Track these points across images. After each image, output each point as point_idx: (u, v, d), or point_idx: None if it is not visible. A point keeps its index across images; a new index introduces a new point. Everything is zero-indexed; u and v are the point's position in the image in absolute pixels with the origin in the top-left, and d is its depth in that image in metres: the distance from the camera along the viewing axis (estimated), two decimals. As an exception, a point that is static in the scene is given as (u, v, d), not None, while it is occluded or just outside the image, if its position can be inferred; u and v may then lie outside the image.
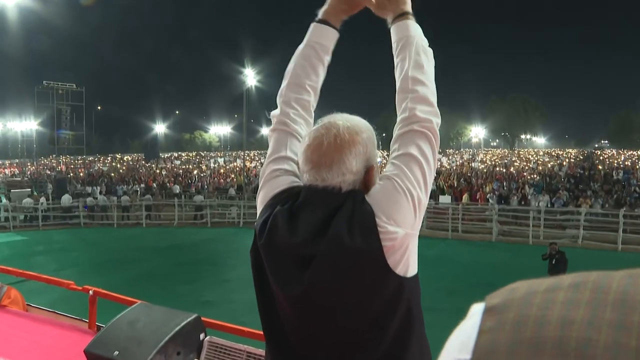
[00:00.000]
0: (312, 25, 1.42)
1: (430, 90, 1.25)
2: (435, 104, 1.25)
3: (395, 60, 1.32)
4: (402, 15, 1.35)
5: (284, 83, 1.39)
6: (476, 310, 0.46)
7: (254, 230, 1.27)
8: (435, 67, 1.33)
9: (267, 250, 1.19)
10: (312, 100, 1.40)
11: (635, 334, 0.34)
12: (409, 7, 1.36)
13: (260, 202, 1.30)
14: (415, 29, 1.33)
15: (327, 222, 1.12)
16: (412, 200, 1.13)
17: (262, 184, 1.32)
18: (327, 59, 1.42)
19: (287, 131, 1.34)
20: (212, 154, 67.06)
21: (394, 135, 1.23)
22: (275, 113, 1.38)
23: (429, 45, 1.34)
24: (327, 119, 1.20)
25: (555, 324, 0.38)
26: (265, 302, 1.24)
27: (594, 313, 0.37)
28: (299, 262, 1.13)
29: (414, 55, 1.28)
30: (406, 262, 1.13)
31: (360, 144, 1.16)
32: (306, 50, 1.40)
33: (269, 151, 1.36)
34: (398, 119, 1.24)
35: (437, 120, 1.23)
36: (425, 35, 1.35)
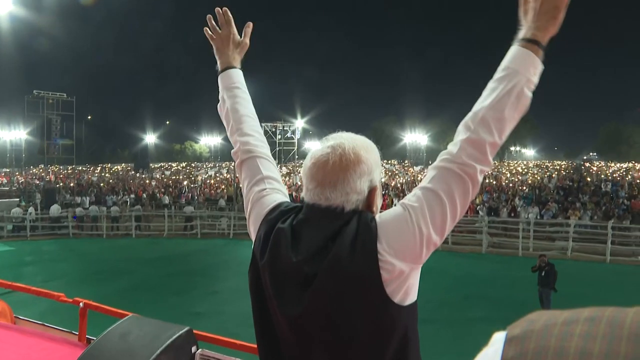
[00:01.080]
0: (221, 76, 1.56)
1: (492, 140, 1.14)
2: (490, 154, 1.14)
3: (489, 83, 1.19)
4: (532, 42, 1.17)
5: (231, 123, 1.48)
6: (498, 338, 0.49)
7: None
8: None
9: (269, 270, 1.17)
10: (258, 124, 1.51)
11: None
12: (544, 36, 1.18)
13: (253, 222, 1.30)
14: (529, 68, 1.16)
15: (330, 241, 1.12)
16: (420, 237, 1.10)
17: (250, 207, 1.33)
18: (246, 91, 1.56)
19: (255, 156, 1.40)
20: (203, 164, 66.84)
21: (436, 162, 1.17)
22: (235, 149, 1.45)
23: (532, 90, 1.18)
24: (332, 139, 1.21)
25: (574, 356, 0.40)
26: (263, 323, 1.23)
27: (610, 346, 0.40)
28: (301, 282, 1.12)
29: (504, 95, 1.14)
30: (405, 291, 1.11)
31: (365, 164, 1.16)
32: (229, 92, 1.52)
33: (245, 180, 1.39)
34: (449, 146, 1.17)
35: (481, 168, 1.13)
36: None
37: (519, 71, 1.15)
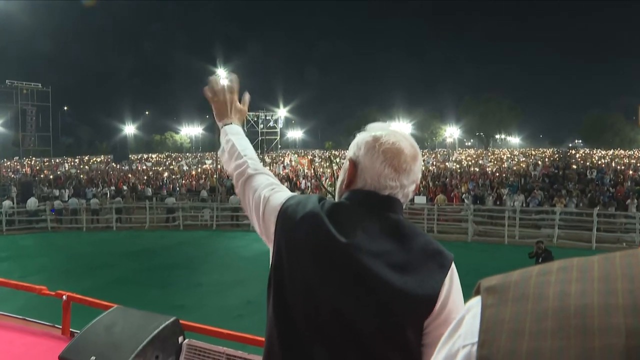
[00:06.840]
0: (225, 128, 1.59)
1: None
2: None
3: None
4: None
5: (237, 151, 1.50)
6: (474, 301, 0.51)
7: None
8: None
9: (311, 252, 1.13)
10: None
11: (621, 295, 0.42)
12: None
13: (268, 217, 1.27)
14: None
15: (392, 236, 1.11)
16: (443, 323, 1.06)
17: (263, 207, 1.30)
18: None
19: (263, 173, 1.43)
20: (186, 154, 66.05)
21: None
22: (243, 167, 1.45)
23: None
24: (384, 129, 1.21)
25: (554, 297, 0.45)
26: (287, 319, 1.15)
27: (584, 286, 0.45)
28: (351, 268, 1.08)
29: None
30: (432, 342, 1.05)
31: (420, 156, 1.22)
32: (234, 136, 1.56)
33: (250, 190, 1.39)
34: None
35: None
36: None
37: None
